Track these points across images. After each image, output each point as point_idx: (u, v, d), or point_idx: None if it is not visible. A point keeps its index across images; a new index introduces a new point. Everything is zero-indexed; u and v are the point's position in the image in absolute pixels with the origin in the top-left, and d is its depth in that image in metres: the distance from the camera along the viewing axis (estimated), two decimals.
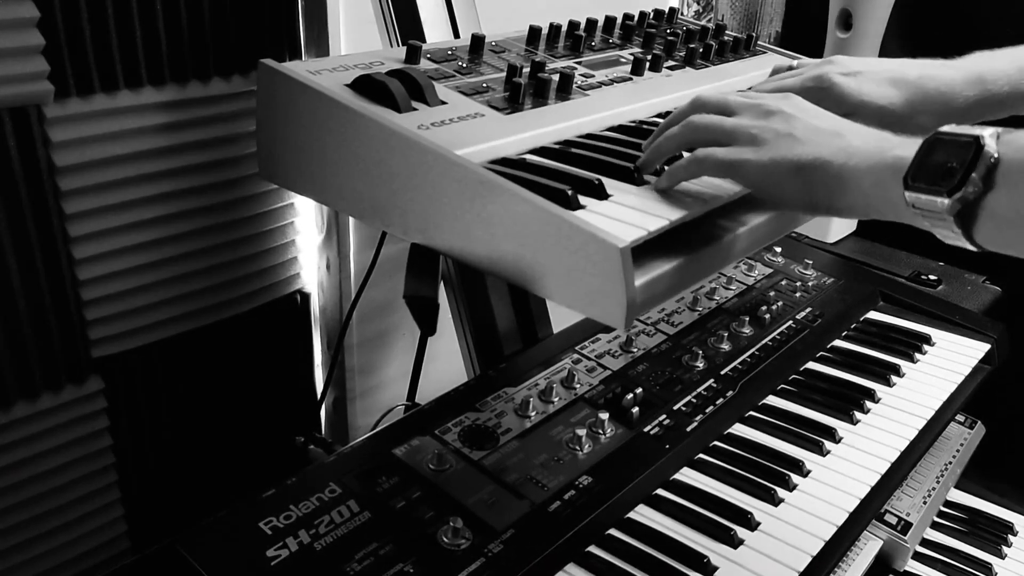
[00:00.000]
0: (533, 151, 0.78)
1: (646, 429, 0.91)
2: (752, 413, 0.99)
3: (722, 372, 1.03)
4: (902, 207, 0.62)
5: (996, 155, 0.58)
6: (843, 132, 0.67)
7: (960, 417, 1.25)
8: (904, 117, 0.80)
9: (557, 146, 0.80)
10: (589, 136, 0.84)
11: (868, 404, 1.02)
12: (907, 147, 0.63)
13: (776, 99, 0.72)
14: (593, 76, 0.95)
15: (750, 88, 0.90)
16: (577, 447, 0.86)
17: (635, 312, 0.61)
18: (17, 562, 0.91)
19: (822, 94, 0.81)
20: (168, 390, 0.99)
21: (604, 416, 0.89)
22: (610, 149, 0.79)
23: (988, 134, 0.59)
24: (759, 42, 1.22)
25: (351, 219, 1.15)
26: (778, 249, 1.33)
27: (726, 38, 1.16)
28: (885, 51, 1.69)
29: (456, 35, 1.06)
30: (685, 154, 0.73)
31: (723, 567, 0.77)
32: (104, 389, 0.93)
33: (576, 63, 0.97)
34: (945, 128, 0.61)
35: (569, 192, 0.66)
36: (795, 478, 0.88)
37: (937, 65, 0.83)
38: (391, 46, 1.02)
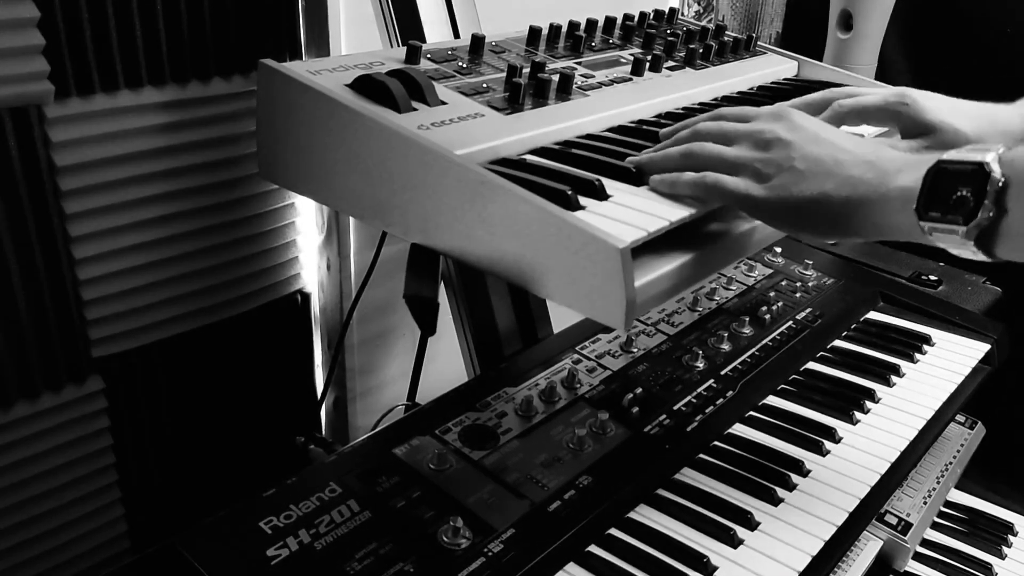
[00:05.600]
0: (533, 151, 0.78)
1: (646, 429, 0.91)
2: (752, 413, 0.99)
3: (722, 372, 1.03)
4: (916, 232, 0.63)
5: (1002, 179, 0.58)
6: (841, 160, 0.67)
7: (960, 417, 1.25)
8: (972, 141, 0.82)
9: (557, 146, 0.80)
10: (589, 136, 0.84)
11: (868, 404, 1.02)
12: (908, 175, 0.63)
13: (771, 121, 0.72)
14: (593, 76, 0.95)
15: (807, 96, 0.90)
16: (577, 447, 0.86)
17: (635, 312, 0.62)
18: (17, 562, 0.91)
19: (902, 109, 0.83)
20: (168, 390, 1.00)
21: (604, 416, 0.89)
22: (610, 150, 0.79)
23: (991, 158, 0.59)
24: (759, 43, 1.22)
25: (351, 219, 1.15)
26: (778, 249, 1.33)
27: (726, 39, 1.17)
28: (885, 51, 1.69)
29: (456, 35, 1.07)
30: None
31: (723, 567, 0.77)
32: (104, 389, 0.93)
33: (576, 63, 0.97)
34: (947, 156, 0.62)
35: (569, 192, 0.66)
36: (795, 478, 0.88)
37: (991, 104, 0.86)
38: (391, 46, 1.02)
